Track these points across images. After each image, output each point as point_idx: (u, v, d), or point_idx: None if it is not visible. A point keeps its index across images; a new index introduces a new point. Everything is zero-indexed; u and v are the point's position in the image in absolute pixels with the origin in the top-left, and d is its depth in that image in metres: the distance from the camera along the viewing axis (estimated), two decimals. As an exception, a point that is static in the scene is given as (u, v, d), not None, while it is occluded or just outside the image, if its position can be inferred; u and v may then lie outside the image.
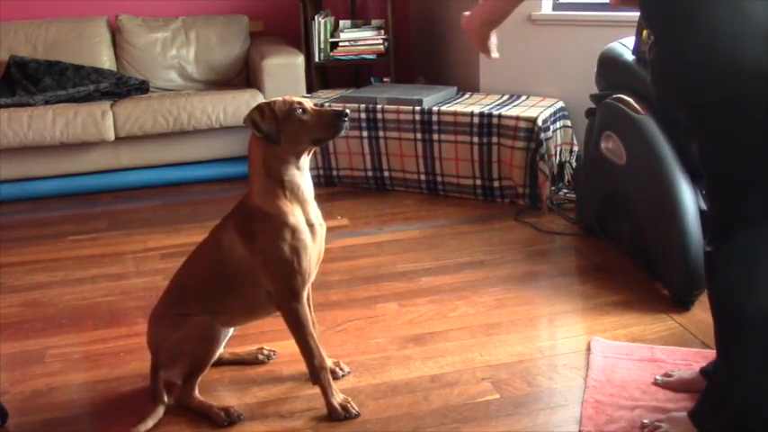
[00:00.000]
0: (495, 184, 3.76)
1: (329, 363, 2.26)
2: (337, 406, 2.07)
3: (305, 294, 2.07)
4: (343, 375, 2.27)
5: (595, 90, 3.20)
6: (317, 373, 2.07)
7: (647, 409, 2.03)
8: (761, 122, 1.55)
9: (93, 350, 2.52)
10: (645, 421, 1.95)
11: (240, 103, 4.30)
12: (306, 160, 2.04)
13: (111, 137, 4.17)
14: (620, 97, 2.90)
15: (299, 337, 2.06)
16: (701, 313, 2.53)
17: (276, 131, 1.96)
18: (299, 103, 1.99)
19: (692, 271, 2.52)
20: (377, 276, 2.98)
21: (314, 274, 2.13)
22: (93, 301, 2.89)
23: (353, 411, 2.07)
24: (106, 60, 4.66)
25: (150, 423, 2.06)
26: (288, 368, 2.34)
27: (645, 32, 2.81)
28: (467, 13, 1.94)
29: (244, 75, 4.84)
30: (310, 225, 2.05)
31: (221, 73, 4.81)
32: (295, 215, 2.01)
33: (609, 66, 3.10)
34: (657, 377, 2.17)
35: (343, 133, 2.00)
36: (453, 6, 4.52)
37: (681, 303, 2.61)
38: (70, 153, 4.19)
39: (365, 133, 4.02)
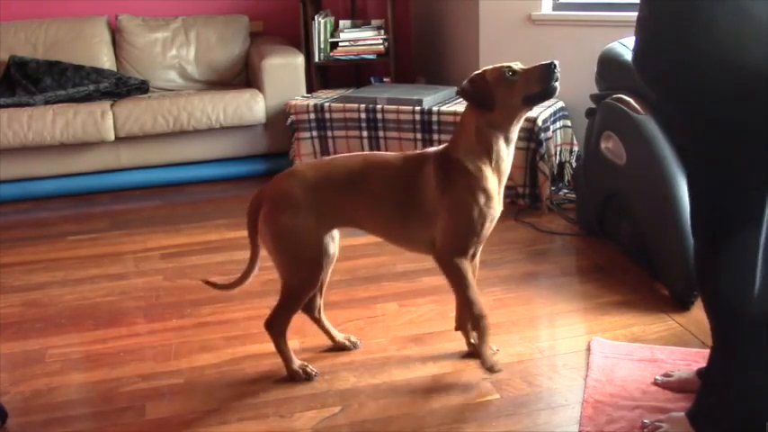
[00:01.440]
0: (495, 184, 3.76)
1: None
2: (489, 355, 2.17)
3: (470, 253, 2.14)
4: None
5: (595, 90, 3.20)
6: (477, 321, 2.16)
7: (647, 409, 2.03)
8: (760, 123, 1.55)
9: (93, 350, 2.52)
10: (645, 421, 1.95)
11: (240, 103, 4.30)
12: (516, 131, 2.08)
13: (111, 137, 4.17)
14: (620, 97, 2.90)
15: (460, 290, 2.15)
16: (701, 313, 2.50)
17: (489, 98, 2.01)
18: (509, 66, 2.02)
19: (691, 271, 2.50)
20: (377, 276, 2.98)
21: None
22: (93, 301, 2.89)
23: (498, 367, 2.17)
24: (106, 60, 4.66)
25: (239, 283, 2.27)
26: (288, 368, 2.34)
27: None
28: None
29: (244, 75, 4.84)
30: (497, 197, 2.10)
31: (221, 73, 4.81)
32: (493, 182, 2.06)
33: (609, 66, 3.10)
34: (657, 377, 2.17)
35: (557, 89, 2.00)
36: (453, 6, 4.52)
37: (681, 303, 2.61)
38: (70, 153, 4.20)
39: (365, 133, 4.02)
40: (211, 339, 2.51)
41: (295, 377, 2.25)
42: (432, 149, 2.17)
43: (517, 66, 2.04)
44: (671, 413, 1.95)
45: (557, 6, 4.01)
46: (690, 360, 2.26)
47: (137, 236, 3.58)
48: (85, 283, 3.06)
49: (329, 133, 4.12)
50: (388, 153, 2.26)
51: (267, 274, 2.40)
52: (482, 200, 2.05)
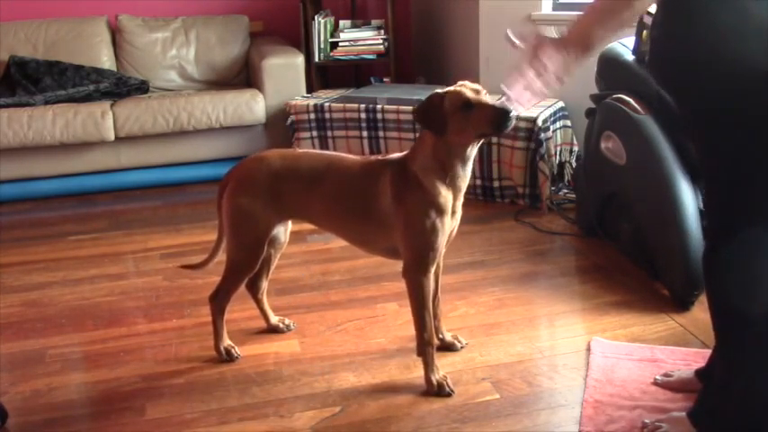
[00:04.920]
0: (495, 184, 3.76)
1: (448, 336, 2.40)
2: (434, 381, 2.15)
3: (433, 270, 2.13)
4: (461, 347, 2.39)
5: (595, 90, 3.20)
6: (423, 347, 2.16)
7: (647, 409, 2.03)
8: (759, 121, 1.55)
9: (93, 350, 2.52)
10: (645, 421, 1.95)
11: (240, 103, 4.30)
12: (473, 152, 2.05)
13: (111, 137, 4.17)
14: (620, 97, 2.90)
15: (416, 309, 2.14)
16: (701, 313, 2.53)
17: (441, 125, 1.98)
18: (467, 98, 1.96)
19: (692, 271, 2.52)
20: (377, 276, 2.97)
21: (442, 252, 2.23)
22: (93, 301, 2.89)
23: (447, 390, 2.14)
24: (106, 60, 4.66)
25: (210, 260, 2.44)
26: (288, 368, 2.34)
27: (645, 33, 2.82)
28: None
29: (244, 75, 4.84)
30: (453, 212, 2.10)
31: (221, 73, 4.81)
32: (446, 198, 2.05)
33: (609, 66, 3.10)
34: (657, 377, 2.17)
35: (507, 130, 1.98)
36: (453, 6, 4.52)
37: (681, 303, 2.61)
38: (70, 153, 4.19)
39: (365, 133, 4.02)
40: (211, 339, 2.51)
41: (219, 355, 2.37)
42: (393, 156, 2.17)
43: (479, 96, 1.97)
44: (671, 413, 1.95)
45: (557, 6, 4.01)
46: (690, 360, 2.26)
47: (137, 236, 3.58)
48: (85, 283, 3.06)
49: (329, 133, 4.12)
50: (351, 157, 2.27)
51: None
52: (434, 215, 2.04)
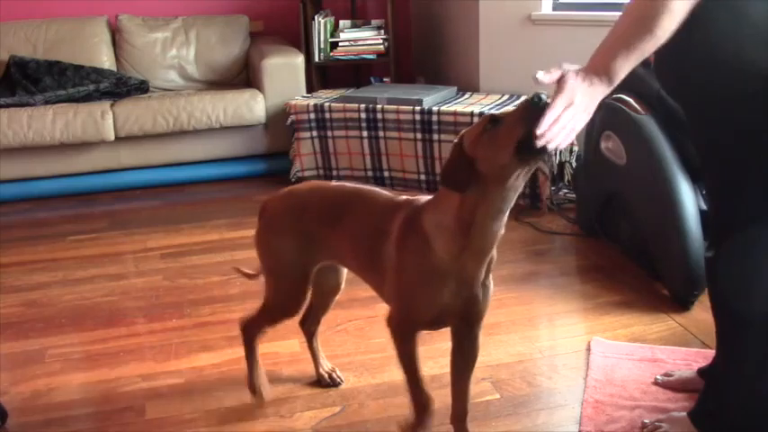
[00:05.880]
0: (495, 184, 3.75)
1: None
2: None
3: (416, 334, 1.80)
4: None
5: (595, 90, 3.19)
6: (413, 409, 1.86)
7: (647, 409, 2.03)
8: (758, 122, 1.55)
9: (93, 350, 2.52)
10: (645, 421, 1.95)
11: (240, 103, 4.30)
12: (513, 196, 1.67)
13: (111, 137, 4.17)
14: (620, 97, 2.90)
15: (400, 363, 1.84)
16: (701, 313, 2.53)
17: (464, 174, 1.59)
18: (488, 115, 1.58)
19: (692, 271, 2.52)
20: (377, 276, 2.97)
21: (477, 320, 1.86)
22: (93, 301, 2.89)
23: None
24: (106, 60, 4.66)
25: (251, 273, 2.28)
26: (288, 368, 2.34)
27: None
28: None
29: (244, 75, 4.84)
30: (469, 282, 1.70)
31: (221, 73, 4.81)
32: (459, 265, 1.67)
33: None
34: (657, 377, 2.17)
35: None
36: (453, 6, 4.52)
37: (681, 303, 2.62)
38: (70, 153, 4.20)
39: (365, 133, 4.02)
40: (211, 339, 2.52)
41: (251, 391, 2.14)
42: (416, 199, 1.79)
43: (503, 112, 1.59)
44: (671, 413, 1.95)
45: (557, 6, 4.01)
46: (690, 360, 2.26)
47: (137, 236, 3.58)
48: (85, 283, 3.06)
49: (329, 133, 4.12)
50: (379, 191, 1.93)
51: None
52: (435, 282, 1.67)
